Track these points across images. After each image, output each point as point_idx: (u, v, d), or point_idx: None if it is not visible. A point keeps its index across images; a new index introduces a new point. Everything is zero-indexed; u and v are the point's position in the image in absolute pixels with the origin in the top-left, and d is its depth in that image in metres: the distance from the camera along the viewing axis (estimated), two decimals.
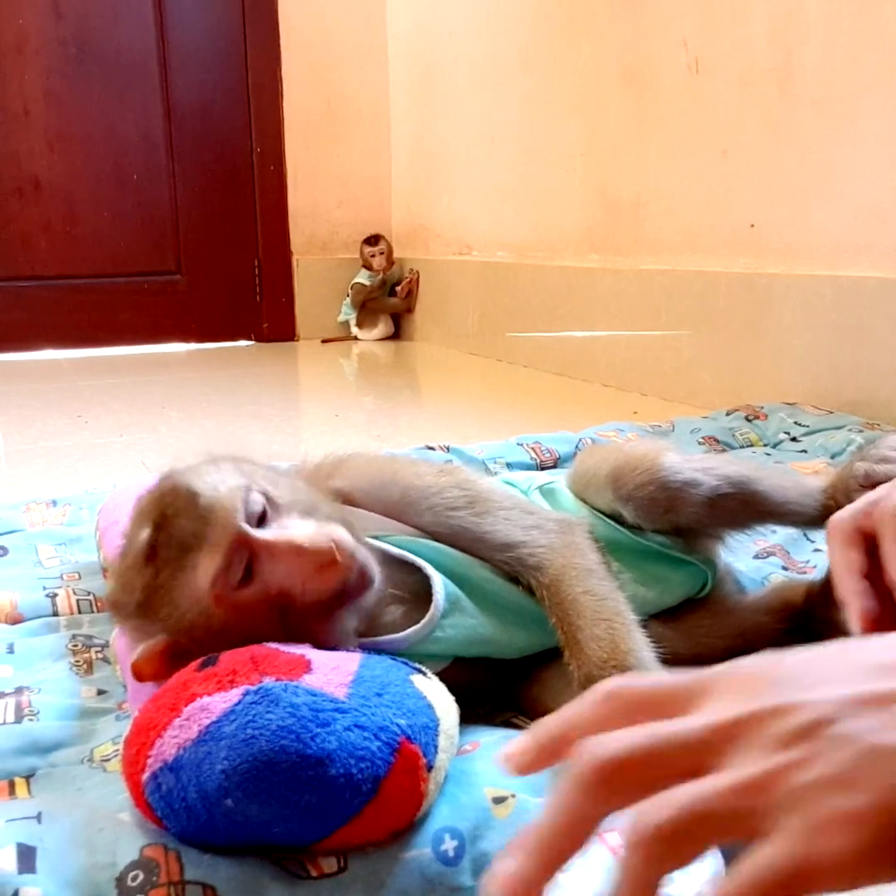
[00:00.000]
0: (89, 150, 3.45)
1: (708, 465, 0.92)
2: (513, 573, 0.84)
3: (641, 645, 0.77)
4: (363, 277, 3.62)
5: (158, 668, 0.75)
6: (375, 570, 0.75)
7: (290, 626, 0.73)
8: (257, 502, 0.74)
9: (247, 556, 0.72)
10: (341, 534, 0.74)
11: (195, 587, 0.71)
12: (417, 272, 3.56)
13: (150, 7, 3.44)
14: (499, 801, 0.68)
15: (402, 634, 0.77)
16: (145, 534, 0.73)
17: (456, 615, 0.80)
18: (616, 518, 0.92)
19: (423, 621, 0.78)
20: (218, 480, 0.74)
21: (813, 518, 0.98)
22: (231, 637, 0.72)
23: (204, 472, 0.76)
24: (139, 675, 0.75)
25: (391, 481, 0.86)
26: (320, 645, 0.72)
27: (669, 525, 0.91)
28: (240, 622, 0.72)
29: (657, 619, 0.88)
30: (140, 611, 0.74)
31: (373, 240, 3.64)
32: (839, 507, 0.96)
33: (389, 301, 3.64)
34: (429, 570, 0.80)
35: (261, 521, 0.74)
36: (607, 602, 0.80)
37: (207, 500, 0.72)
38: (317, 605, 0.73)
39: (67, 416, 2.38)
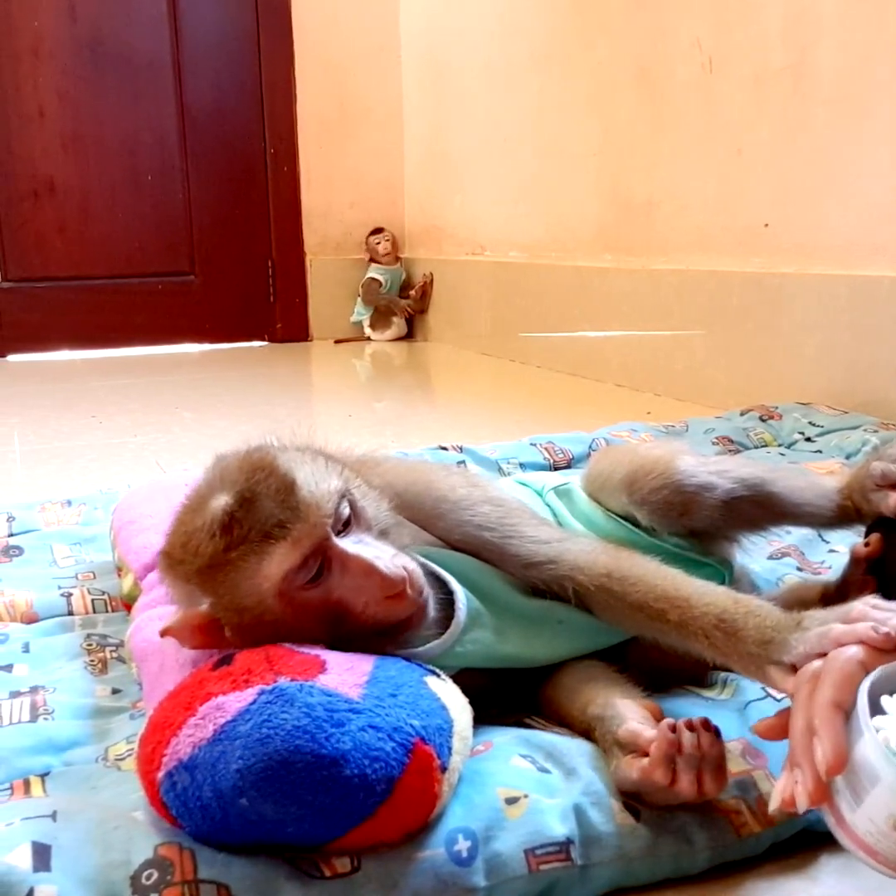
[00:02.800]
0: (103, 151, 3.47)
1: (723, 468, 0.92)
2: (544, 587, 0.83)
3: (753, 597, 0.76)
4: (375, 272, 3.63)
5: (187, 636, 0.75)
6: (432, 608, 0.76)
7: (335, 636, 0.73)
8: (347, 510, 0.74)
9: (321, 559, 0.72)
10: (415, 567, 0.74)
11: (264, 576, 0.70)
12: (431, 274, 3.56)
13: (165, 9, 3.45)
14: (511, 801, 0.68)
15: (422, 648, 0.77)
16: (225, 501, 0.71)
17: (477, 630, 0.80)
18: (631, 520, 0.92)
19: (444, 637, 0.78)
20: (318, 476, 0.73)
21: (829, 519, 0.97)
22: (279, 632, 0.72)
23: (302, 461, 0.75)
24: (165, 634, 0.75)
25: (425, 491, 0.85)
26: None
27: (684, 528, 0.91)
28: (292, 620, 0.72)
29: None
30: (197, 577, 0.72)
31: (376, 230, 3.66)
32: (855, 507, 0.96)
33: (402, 303, 3.64)
34: (454, 585, 0.80)
35: (344, 528, 0.74)
36: (686, 576, 0.80)
37: (304, 494, 0.71)
38: (371, 626, 0.73)
39: (82, 416, 2.39)
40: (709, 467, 0.91)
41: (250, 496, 0.71)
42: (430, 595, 0.76)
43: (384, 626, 0.74)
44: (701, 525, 0.91)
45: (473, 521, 0.84)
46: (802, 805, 0.59)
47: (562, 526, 0.92)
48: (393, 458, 1.01)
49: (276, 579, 0.70)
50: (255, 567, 0.70)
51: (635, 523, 0.91)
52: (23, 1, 3.30)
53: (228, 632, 0.74)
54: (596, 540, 0.87)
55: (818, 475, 1.17)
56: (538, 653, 0.83)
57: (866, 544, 0.94)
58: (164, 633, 0.75)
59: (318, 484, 0.73)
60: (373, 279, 3.62)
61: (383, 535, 0.77)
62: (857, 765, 0.56)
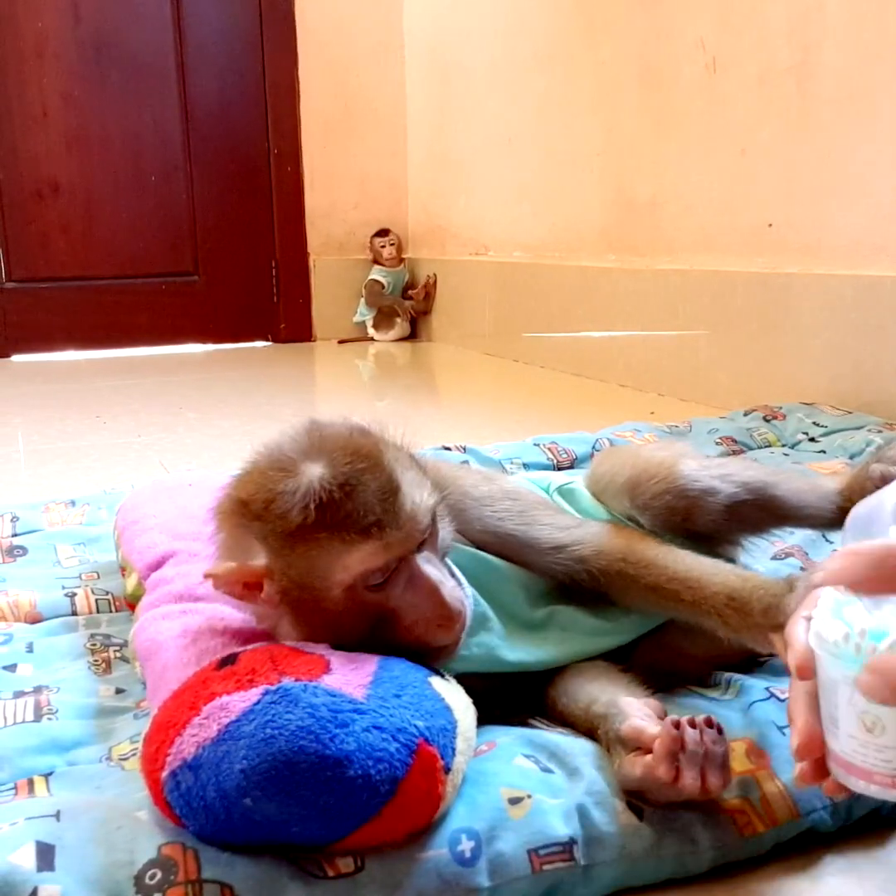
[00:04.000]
0: (107, 151, 3.47)
1: (725, 472, 0.92)
2: (566, 572, 0.85)
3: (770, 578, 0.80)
4: (377, 274, 3.63)
5: (232, 588, 0.75)
6: (464, 641, 0.77)
7: (371, 635, 0.74)
8: (427, 528, 0.74)
9: (395, 567, 0.72)
10: (468, 603, 0.76)
11: (343, 566, 0.70)
12: (435, 275, 3.56)
13: (168, 9, 3.45)
14: (515, 801, 0.68)
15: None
16: (323, 474, 0.69)
17: (482, 634, 0.81)
18: (634, 522, 0.92)
19: None
20: (418, 487, 0.73)
21: (831, 520, 0.98)
22: (324, 615, 0.73)
23: (405, 466, 0.74)
24: (211, 578, 0.75)
25: (447, 487, 0.86)
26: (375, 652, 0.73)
27: (687, 532, 0.91)
28: (343, 611, 0.72)
29: (675, 621, 0.88)
30: (274, 538, 0.71)
31: (382, 232, 3.66)
32: None
33: (405, 304, 3.64)
34: (466, 588, 0.81)
35: (422, 544, 0.75)
36: (699, 557, 0.83)
37: (407, 503, 0.71)
38: (409, 642, 0.74)
39: (86, 416, 2.39)
40: (711, 471, 0.91)
41: (354, 484, 0.70)
42: (465, 628, 0.76)
43: (419, 646, 0.74)
44: (704, 529, 0.91)
45: (496, 515, 0.86)
46: (797, 753, 0.60)
47: None
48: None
49: (354, 574, 0.71)
50: (339, 554, 0.70)
51: (639, 525, 0.91)
52: (26, 2, 3.30)
53: (271, 591, 0.73)
54: (608, 525, 0.89)
55: (819, 477, 1.17)
56: (542, 659, 0.83)
57: None
58: (208, 575, 0.74)
59: (419, 495, 0.73)
60: (375, 281, 3.62)
61: (444, 554, 0.78)
62: (823, 684, 0.58)
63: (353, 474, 0.70)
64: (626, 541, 0.86)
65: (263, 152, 3.62)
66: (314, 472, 0.70)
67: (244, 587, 0.75)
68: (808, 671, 0.58)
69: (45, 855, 0.61)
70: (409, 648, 0.74)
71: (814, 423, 1.82)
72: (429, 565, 0.74)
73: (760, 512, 0.93)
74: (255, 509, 0.72)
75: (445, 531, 0.79)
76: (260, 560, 0.73)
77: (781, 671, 0.82)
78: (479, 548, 0.86)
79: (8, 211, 3.40)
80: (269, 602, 0.74)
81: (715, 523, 0.90)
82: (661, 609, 0.84)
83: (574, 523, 0.89)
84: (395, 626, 0.74)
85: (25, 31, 3.32)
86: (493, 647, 0.81)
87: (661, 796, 0.68)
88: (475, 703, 0.73)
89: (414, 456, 0.78)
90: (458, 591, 0.76)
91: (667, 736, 0.67)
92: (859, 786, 0.57)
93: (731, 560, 0.96)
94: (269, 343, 3.73)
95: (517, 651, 0.82)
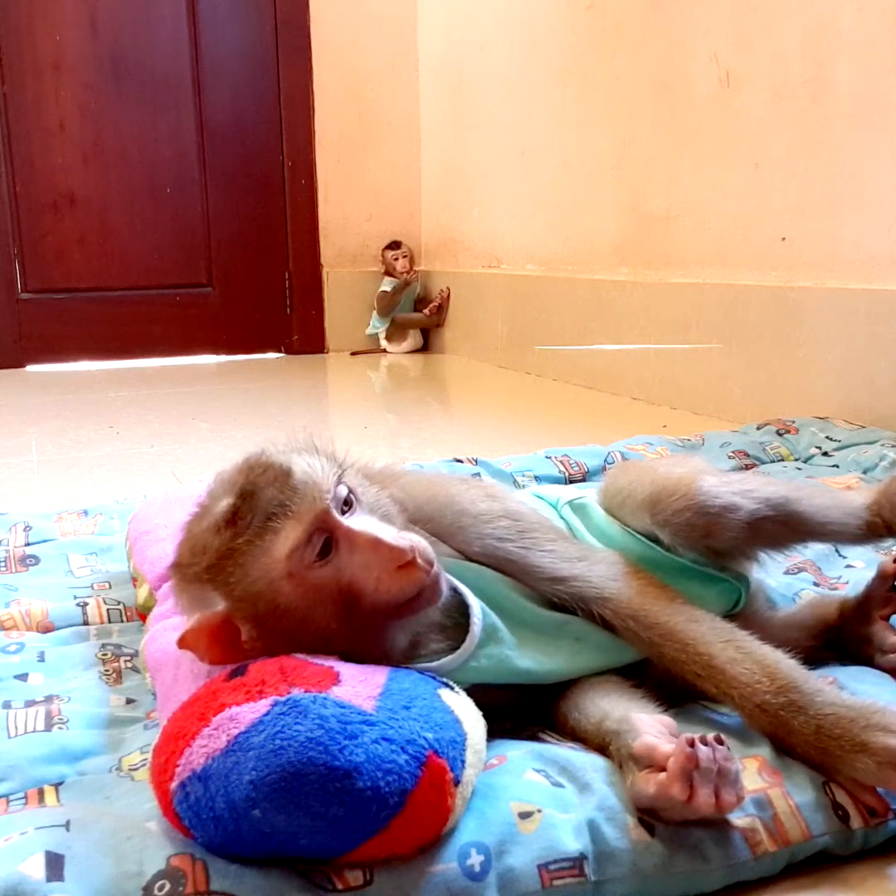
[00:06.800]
0: (123, 164, 3.50)
1: (746, 488, 0.90)
2: (565, 604, 0.84)
3: (784, 658, 0.78)
4: (386, 285, 3.64)
5: (205, 645, 0.74)
6: (445, 584, 0.76)
7: (351, 623, 0.73)
8: (345, 492, 0.75)
9: (327, 537, 0.73)
10: (421, 541, 0.75)
11: (271, 556, 0.71)
12: (448, 289, 3.57)
13: (185, 24, 3.48)
14: (525, 816, 0.67)
15: (437, 663, 0.77)
16: (228, 500, 0.73)
17: (492, 645, 0.80)
18: (651, 538, 0.91)
19: (458, 651, 0.78)
20: (313, 462, 0.76)
21: (855, 536, 0.96)
22: (292, 618, 0.72)
23: (299, 454, 0.77)
24: (182, 644, 0.75)
25: (446, 504, 0.86)
26: (369, 653, 0.73)
27: (708, 549, 0.90)
28: (304, 604, 0.72)
29: None
30: (207, 574, 0.73)
31: (393, 244, 3.67)
32: (885, 523, 0.95)
33: (416, 317, 3.64)
34: (470, 599, 0.80)
35: (347, 509, 0.75)
36: (715, 623, 0.81)
37: (300, 476, 0.73)
38: (384, 605, 0.73)
39: (99, 426, 2.40)
40: (732, 487, 0.89)
41: (251, 489, 0.73)
42: (440, 570, 0.76)
43: (397, 605, 0.74)
44: (725, 546, 0.89)
45: (494, 534, 0.84)
46: None
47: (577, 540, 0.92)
48: (412, 472, 1.02)
49: (283, 557, 0.71)
50: (262, 549, 0.71)
51: (655, 540, 0.91)
52: (45, 15, 3.34)
53: (245, 632, 0.74)
54: (616, 560, 0.87)
55: (844, 492, 1.15)
56: (554, 669, 0.82)
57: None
58: (181, 643, 0.75)
59: (313, 467, 0.75)
60: (384, 290, 3.63)
61: (386, 519, 0.78)
62: None
63: (249, 483, 0.73)
64: (638, 593, 0.83)
65: (278, 165, 3.65)
66: (221, 504, 0.73)
67: (221, 645, 0.74)
68: None
69: (55, 865, 0.61)
70: (394, 614, 0.74)
71: (827, 437, 1.81)
72: (360, 524, 0.74)
73: (782, 528, 0.92)
74: (185, 561, 0.75)
75: (374, 494, 0.79)
76: (218, 606, 0.74)
77: None
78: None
79: (24, 222, 3.43)
80: (253, 645, 0.74)
81: (736, 540, 0.89)
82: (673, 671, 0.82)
83: (577, 555, 0.86)
84: (363, 598, 0.73)
85: (43, 44, 3.35)
86: (503, 657, 0.80)
87: (674, 814, 0.68)
88: (485, 717, 0.72)
89: (317, 448, 0.80)
90: (404, 534, 0.75)
91: (680, 754, 0.66)
92: None
93: (745, 573, 0.95)
94: (282, 355, 3.75)
95: (528, 659, 0.81)
